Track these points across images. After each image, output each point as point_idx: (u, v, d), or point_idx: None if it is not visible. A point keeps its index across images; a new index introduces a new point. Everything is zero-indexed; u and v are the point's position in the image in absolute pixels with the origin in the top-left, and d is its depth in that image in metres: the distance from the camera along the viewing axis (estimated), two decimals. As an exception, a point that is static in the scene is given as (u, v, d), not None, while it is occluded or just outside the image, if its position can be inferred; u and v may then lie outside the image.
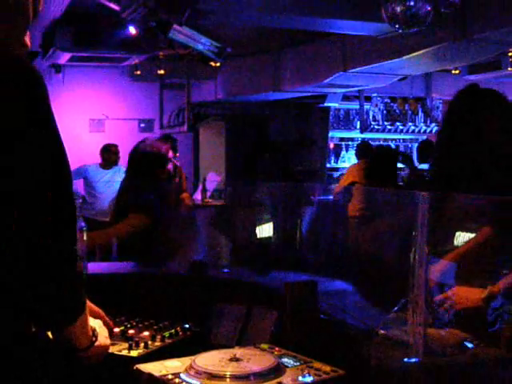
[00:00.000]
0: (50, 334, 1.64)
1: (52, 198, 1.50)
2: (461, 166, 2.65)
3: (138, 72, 9.61)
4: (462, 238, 2.60)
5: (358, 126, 12.02)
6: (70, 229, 1.53)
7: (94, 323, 1.80)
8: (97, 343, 1.72)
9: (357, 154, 9.85)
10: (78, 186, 9.09)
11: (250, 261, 3.01)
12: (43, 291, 1.49)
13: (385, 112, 12.04)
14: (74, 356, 1.68)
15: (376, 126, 11.99)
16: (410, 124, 12.08)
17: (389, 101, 12.07)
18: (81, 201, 2.87)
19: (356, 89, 10.27)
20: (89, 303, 1.96)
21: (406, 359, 1.83)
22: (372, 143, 10.49)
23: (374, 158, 7.38)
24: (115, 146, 8.90)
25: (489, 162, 2.59)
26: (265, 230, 3.68)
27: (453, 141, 2.69)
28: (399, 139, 12.54)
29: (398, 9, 5.05)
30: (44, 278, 1.49)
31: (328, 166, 12.09)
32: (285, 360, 1.84)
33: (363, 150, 9.38)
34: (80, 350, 1.67)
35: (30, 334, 1.55)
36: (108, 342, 1.79)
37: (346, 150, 12.29)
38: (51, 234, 1.48)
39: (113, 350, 2.01)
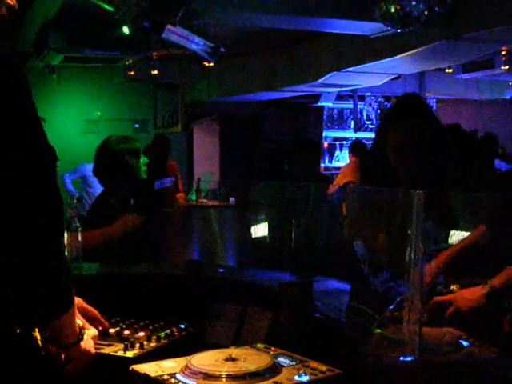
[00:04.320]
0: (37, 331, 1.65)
1: (34, 190, 1.49)
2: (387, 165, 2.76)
3: (132, 72, 9.60)
4: (456, 235, 2.61)
5: (352, 126, 12.04)
6: (57, 221, 1.53)
7: (88, 331, 1.81)
8: (82, 344, 1.73)
9: (350, 153, 9.83)
10: (76, 185, 9.11)
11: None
12: (30, 285, 1.50)
13: (379, 111, 12.07)
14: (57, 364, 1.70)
15: (370, 125, 12.02)
16: (404, 123, 12.08)
17: (382, 100, 12.10)
18: (75, 201, 2.86)
19: (350, 88, 10.29)
20: (84, 304, 1.97)
21: (401, 357, 1.83)
22: (366, 142, 10.49)
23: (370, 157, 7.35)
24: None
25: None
26: (260, 230, 3.68)
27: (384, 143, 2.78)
28: (393, 138, 12.52)
29: (392, 8, 5.07)
30: (30, 272, 1.49)
31: (322, 165, 12.10)
32: (281, 359, 1.83)
33: (357, 148, 9.38)
34: (66, 347, 1.68)
35: (15, 335, 1.56)
36: (93, 351, 1.80)
37: (340, 150, 12.30)
38: (37, 227, 1.48)
39: (108, 350, 2.01)
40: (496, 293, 2.18)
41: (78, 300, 1.94)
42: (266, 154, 10.56)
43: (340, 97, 11.59)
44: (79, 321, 1.77)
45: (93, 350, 1.79)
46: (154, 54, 8.68)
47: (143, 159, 4.19)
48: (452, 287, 2.38)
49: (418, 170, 2.71)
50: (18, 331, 1.55)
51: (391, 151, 2.74)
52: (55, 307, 1.58)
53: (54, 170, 1.56)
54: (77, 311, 1.85)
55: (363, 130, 12.00)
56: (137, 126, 11.20)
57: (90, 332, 1.84)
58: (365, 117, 12.06)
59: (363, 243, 2.76)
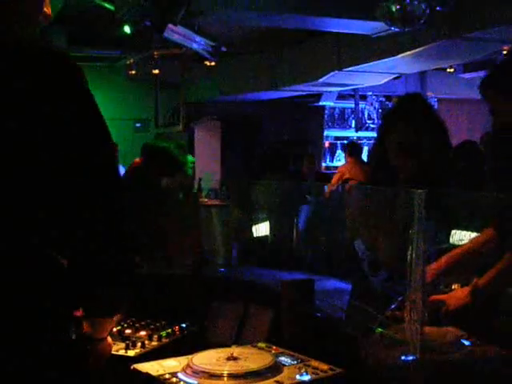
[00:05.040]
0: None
1: (106, 185, 1.58)
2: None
3: (133, 72, 9.59)
4: (459, 236, 2.61)
5: (353, 125, 12.02)
6: (127, 226, 1.58)
7: None
8: (108, 338, 1.74)
9: (347, 153, 9.77)
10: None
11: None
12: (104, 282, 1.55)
13: (380, 110, 12.05)
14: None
15: (371, 125, 12.00)
16: (405, 122, 12.04)
17: (384, 99, 12.08)
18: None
19: (351, 87, 10.28)
20: None
21: (403, 357, 1.83)
22: (362, 143, 10.53)
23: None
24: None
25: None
26: (261, 229, 3.68)
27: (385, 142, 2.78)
28: (394, 138, 12.51)
29: (394, 7, 5.06)
30: (108, 268, 1.55)
31: (323, 164, 12.09)
32: (282, 359, 1.83)
33: (352, 148, 9.36)
34: (99, 340, 1.68)
35: (70, 342, 1.56)
36: (112, 344, 1.80)
37: (342, 149, 12.29)
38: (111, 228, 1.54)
39: (110, 349, 2.00)
40: (479, 291, 2.15)
41: None
42: (267, 154, 10.54)
43: (341, 96, 11.57)
44: None
45: (113, 345, 1.80)
46: (155, 53, 8.67)
47: (190, 157, 4.16)
48: (453, 287, 2.38)
49: (419, 170, 2.70)
50: (73, 337, 1.57)
51: (392, 151, 2.74)
52: (113, 308, 1.61)
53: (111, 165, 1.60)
54: None
55: (364, 130, 11.99)
56: (138, 125, 11.19)
57: None
58: (366, 116, 12.04)
59: (364, 242, 2.76)
